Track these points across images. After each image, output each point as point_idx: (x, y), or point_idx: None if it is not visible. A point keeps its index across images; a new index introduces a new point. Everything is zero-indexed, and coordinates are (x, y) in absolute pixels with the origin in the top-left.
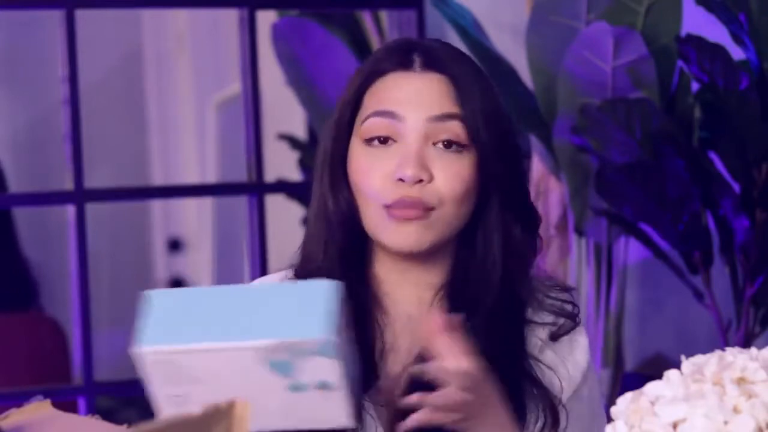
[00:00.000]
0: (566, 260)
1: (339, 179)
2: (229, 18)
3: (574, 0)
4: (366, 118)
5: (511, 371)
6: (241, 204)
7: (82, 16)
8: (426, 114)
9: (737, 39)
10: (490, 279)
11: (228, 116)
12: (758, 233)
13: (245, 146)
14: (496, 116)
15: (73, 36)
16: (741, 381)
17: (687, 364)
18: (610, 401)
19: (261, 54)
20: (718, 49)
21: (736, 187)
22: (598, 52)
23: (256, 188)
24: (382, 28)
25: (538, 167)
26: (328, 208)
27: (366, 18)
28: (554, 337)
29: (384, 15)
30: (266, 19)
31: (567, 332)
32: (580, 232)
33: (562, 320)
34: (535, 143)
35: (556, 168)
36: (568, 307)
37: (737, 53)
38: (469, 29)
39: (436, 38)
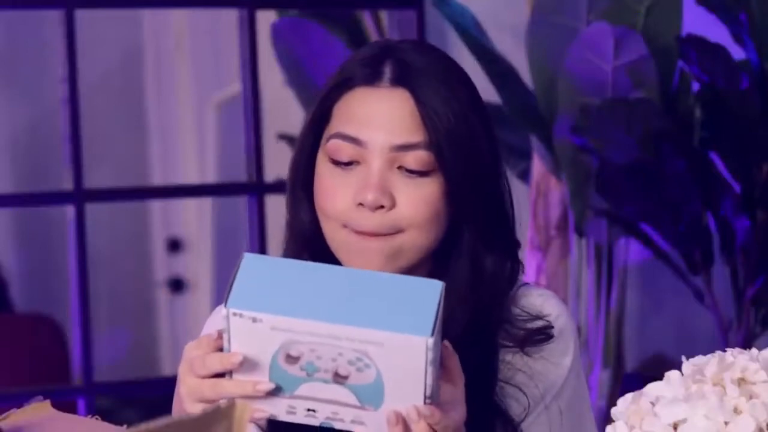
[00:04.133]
0: (566, 260)
1: (305, 194)
2: (229, 18)
3: (574, 0)
4: (331, 137)
5: (479, 398)
6: (241, 204)
7: (82, 16)
8: (389, 142)
9: (738, 39)
10: (458, 308)
11: (228, 116)
12: (759, 233)
13: (245, 146)
14: (465, 137)
15: (73, 36)
16: (741, 382)
17: (687, 364)
18: (610, 401)
19: (261, 54)
20: (718, 49)
21: (737, 187)
22: (598, 52)
23: (256, 188)
24: (382, 28)
25: (538, 167)
26: (295, 222)
27: (366, 18)
28: (523, 347)
29: (384, 15)
30: (266, 19)
31: (538, 344)
32: (580, 233)
33: (534, 336)
34: (535, 143)
35: (556, 168)
36: (543, 330)
37: (738, 53)
38: (469, 29)
39: (415, 40)
